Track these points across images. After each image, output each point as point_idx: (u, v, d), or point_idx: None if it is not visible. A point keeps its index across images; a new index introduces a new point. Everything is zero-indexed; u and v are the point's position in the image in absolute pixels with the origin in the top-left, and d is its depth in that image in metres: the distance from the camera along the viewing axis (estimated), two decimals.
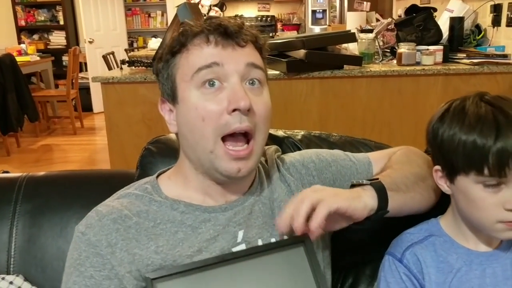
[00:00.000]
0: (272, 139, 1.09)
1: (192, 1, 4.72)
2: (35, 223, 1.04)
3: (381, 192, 0.81)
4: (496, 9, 2.67)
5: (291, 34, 6.62)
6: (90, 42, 5.97)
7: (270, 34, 6.80)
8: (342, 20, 5.94)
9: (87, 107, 6.03)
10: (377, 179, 0.84)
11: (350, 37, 2.46)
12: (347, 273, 1.05)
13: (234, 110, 0.75)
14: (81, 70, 6.17)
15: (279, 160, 0.95)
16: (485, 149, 0.75)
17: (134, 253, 0.75)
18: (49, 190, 1.09)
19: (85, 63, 6.18)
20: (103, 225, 0.77)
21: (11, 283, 0.97)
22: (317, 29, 6.10)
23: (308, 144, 1.11)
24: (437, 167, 0.85)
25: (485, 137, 0.75)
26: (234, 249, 0.80)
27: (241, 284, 0.76)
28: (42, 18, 6.62)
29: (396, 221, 0.94)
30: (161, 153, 1.04)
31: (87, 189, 1.09)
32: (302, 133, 1.15)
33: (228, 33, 0.77)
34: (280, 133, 1.14)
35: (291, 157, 0.97)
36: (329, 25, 5.73)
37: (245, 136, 0.78)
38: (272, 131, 1.13)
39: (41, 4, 6.57)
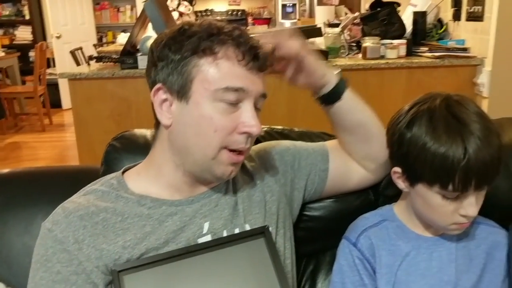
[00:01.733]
0: None
1: None
2: (1, 219, 1.05)
3: (342, 82, 0.94)
4: (457, 4, 2.76)
5: (262, 29, 6.65)
6: (58, 37, 5.85)
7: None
8: (312, 14, 5.99)
9: (56, 104, 5.91)
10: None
11: (316, 32, 2.51)
12: (309, 260, 1.09)
13: (245, 132, 0.79)
14: (49, 66, 6.05)
15: None
16: (452, 169, 0.78)
17: (102, 248, 0.77)
18: (14, 187, 1.10)
19: (53, 59, 6.06)
20: (70, 222, 0.79)
21: None
22: (287, 23, 6.15)
23: (270, 140, 1.15)
24: (397, 169, 0.89)
25: (453, 156, 0.78)
26: (200, 240, 0.83)
27: (205, 274, 0.79)
28: (7, 13, 6.45)
29: (351, 213, 1.00)
30: (125, 149, 1.06)
31: (52, 185, 1.09)
32: (265, 129, 1.18)
33: (257, 56, 0.79)
34: None
35: (253, 148, 1.01)
36: (298, 19, 5.78)
37: (240, 152, 0.83)
38: None
39: None
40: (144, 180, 0.86)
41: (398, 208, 0.96)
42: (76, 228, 0.78)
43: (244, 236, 0.83)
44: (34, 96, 5.07)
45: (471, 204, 0.82)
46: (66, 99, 5.90)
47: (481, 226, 0.94)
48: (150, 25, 2.70)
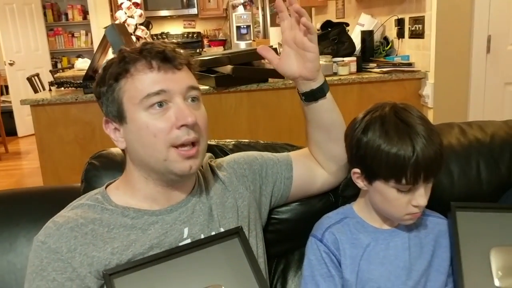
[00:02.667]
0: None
1: (117, 20, 4.75)
2: None
3: (326, 81, 1.05)
4: (400, 23, 2.98)
5: (218, 50, 6.78)
6: (11, 64, 5.77)
7: (197, 50, 6.93)
8: (266, 35, 6.19)
9: (11, 132, 5.79)
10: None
11: None
12: (279, 260, 1.19)
13: (182, 125, 0.86)
14: (2, 94, 5.93)
15: (212, 163, 1.08)
16: (404, 165, 0.91)
17: (93, 255, 0.84)
18: None
19: (6, 86, 5.95)
20: (62, 233, 0.85)
21: None
22: (242, 44, 6.32)
23: (239, 151, 1.25)
24: (356, 170, 1.01)
25: (404, 155, 0.91)
26: (181, 244, 0.91)
27: (188, 273, 0.88)
28: None
29: (314, 214, 1.10)
30: (104, 167, 1.13)
31: (33, 205, 1.14)
32: (233, 142, 1.28)
33: (167, 58, 0.87)
34: (213, 142, 1.27)
35: (223, 158, 1.12)
36: (253, 40, 5.96)
37: (193, 145, 0.90)
38: None
39: None
40: (124, 194, 0.94)
41: (357, 206, 1.07)
42: (68, 238, 0.85)
43: (220, 237, 0.92)
44: None
45: (421, 195, 0.95)
46: (21, 126, 5.80)
47: (429, 218, 1.07)
48: (111, 50, 2.77)
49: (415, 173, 0.91)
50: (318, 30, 3.32)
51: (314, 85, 1.03)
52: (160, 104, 0.86)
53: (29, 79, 4.38)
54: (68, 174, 2.54)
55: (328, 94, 1.06)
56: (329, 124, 1.07)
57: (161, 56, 0.87)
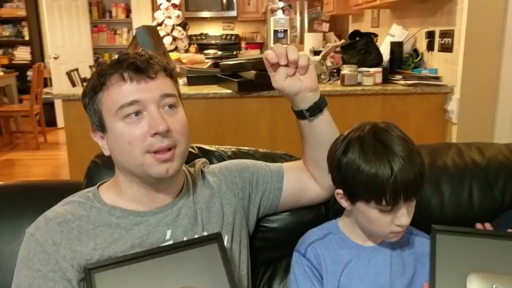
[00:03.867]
0: (205, 153, 1.26)
1: (155, 21, 4.90)
2: None
3: (324, 99, 1.07)
4: (430, 35, 2.94)
5: (254, 53, 6.86)
6: (55, 58, 6.03)
7: (234, 53, 7.03)
8: (302, 40, 6.20)
9: (51, 122, 6.06)
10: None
11: None
12: (266, 267, 1.22)
13: (155, 133, 0.90)
14: (46, 85, 6.22)
15: (205, 169, 1.12)
16: (383, 186, 0.92)
17: (76, 250, 0.90)
18: (3, 199, 1.22)
19: (50, 79, 6.23)
20: (50, 227, 0.92)
21: None
22: None
23: (237, 158, 1.28)
24: (339, 190, 1.02)
25: (382, 176, 0.92)
26: (163, 245, 0.96)
27: (166, 274, 0.92)
28: (7, 34, 6.64)
29: (304, 225, 1.12)
30: (106, 166, 1.19)
31: (38, 198, 1.22)
32: (233, 149, 1.32)
33: (139, 69, 0.90)
34: (213, 148, 1.31)
35: (216, 165, 1.15)
36: (288, 45, 5.97)
37: (169, 150, 0.93)
38: (206, 146, 1.30)
39: (6, 20, 6.58)
40: (113, 194, 1.00)
41: (342, 222, 1.09)
42: (54, 232, 0.91)
43: (200, 241, 0.95)
44: (30, 115, 5.21)
45: (404, 215, 0.95)
46: (61, 118, 6.04)
47: (415, 237, 1.07)
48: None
49: (394, 194, 0.92)
50: (346, 40, 3.30)
51: (316, 96, 1.05)
52: (136, 113, 0.91)
53: (68, 74, 4.57)
54: None
55: (326, 109, 1.08)
56: (328, 139, 1.07)
57: (133, 67, 0.90)
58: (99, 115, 0.94)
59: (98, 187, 1.02)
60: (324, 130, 1.08)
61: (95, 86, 0.93)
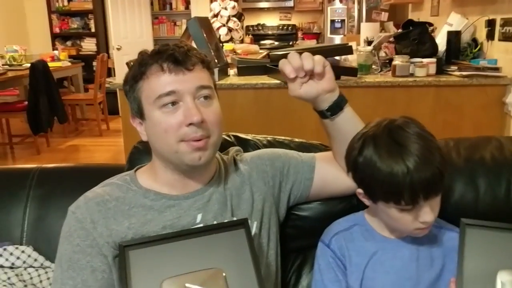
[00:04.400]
0: (241, 142, 1.30)
1: (211, 12, 4.98)
2: (43, 206, 1.29)
3: (343, 97, 1.07)
4: (490, 24, 2.80)
5: (310, 43, 6.80)
6: (118, 49, 6.29)
7: (290, 43, 7.01)
8: (359, 30, 6.08)
9: (114, 111, 6.35)
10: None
11: (346, 50, 2.65)
12: (297, 255, 1.24)
13: (190, 124, 0.94)
14: (110, 75, 6.52)
15: (237, 157, 1.16)
16: (399, 186, 0.90)
17: (112, 228, 0.97)
18: (56, 179, 1.33)
19: (114, 69, 6.53)
20: (89, 207, 0.99)
21: (23, 251, 1.21)
22: (336, 39, 6.26)
23: (273, 147, 1.31)
24: (359, 190, 1.01)
25: (398, 176, 0.89)
26: (193, 227, 1.01)
27: (195, 255, 0.96)
28: (75, 26, 7.02)
29: (335, 214, 1.13)
30: (146, 151, 1.25)
31: (86, 179, 1.30)
32: (268, 138, 1.35)
33: (177, 60, 0.95)
34: (249, 137, 1.34)
35: (249, 153, 1.19)
36: (344, 35, 5.88)
37: (202, 139, 0.97)
38: (242, 135, 1.34)
39: (74, 13, 6.97)
40: (149, 177, 1.06)
41: (368, 214, 1.09)
42: (93, 211, 0.98)
43: (227, 226, 0.99)
44: (94, 103, 5.50)
45: (427, 212, 0.93)
46: None
47: (445, 231, 1.05)
48: (193, 42, 2.95)
49: (412, 194, 0.90)
50: (399, 30, 3.21)
51: (335, 95, 1.06)
52: (173, 103, 0.95)
53: (127, 64, 4.77)
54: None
55: (347, 106, 1.07)
56: (354, 134, 1.06)
57: (172, 58, 0.95)
58: (138, 103, 0.99)
59: (135, 171, 1.09)
60: (347, 126, 1.07)
61: (135, 75, 0.98)
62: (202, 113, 0.95)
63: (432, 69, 2.71)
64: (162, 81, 0.95)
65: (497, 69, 2.66)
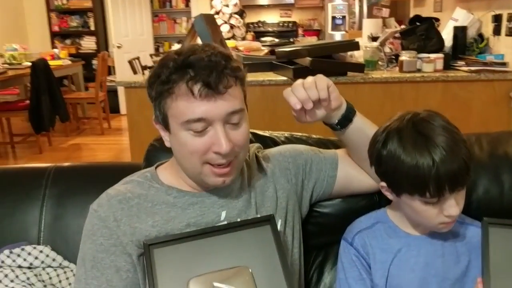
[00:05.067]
0: (259, 139, 1.29)
1: (213, 9, 4.97)
2: (60, 204, 1.27)
3: (351, 108, 1.06)
4: (497, 19, 2.79)
5: (311, 40, 6.79)
6: (119, 47, 6.28)
7: (290, 40, 6.99)
8: (360, 26, 6.06)
9: (115, 109, 6.34)
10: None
11: (353, 46, 2.63)
12: (318, 251, 1.23)
13: (217, 152, 0.91)
14: (110, 74, 6.50)
15: (259, 154, 1.14)
16: (425, 179, 0.89)
17: (135, 226, 0.95)
18: (72, 178, 1.32)
19: (114, 67, 6.50)
20: (111, 204, 0.97)
21: (41, 251, 1.19)
22: (337, 35, 6.25)
23: (291, 143, 1.30)
24: (383, 183, 1.00)
25: (424, 168, 0.89)
26: (218, 225, 0.99)
27: (220, 252, 0.95)
28: (75, 24, 6.98)
29: (356, 211, 1.12)
30: (163, 148, 1.23)
31: (103, 178, 1.29)
32: (286, 135, 1.34)
33: (210, 85, 0.87)
34: (266, 134, 1.33)
35: (270, 150, 1.17)
36: (346, 31, 5.87)
37: (228, 164, 0.95)
38: (259, 132, 1.33)
39: (73, 11, 6.93)
40: (170, 174, 1.04)
41: (390, 211, 1.07)
42: (115, 209, 0.97)
43: (253, 222, 0.98)
44: (95, 102, 5.48)
45: (452, 205, 0.92)
46: (124, 105, 6.29)
47: (468, 227, 1.04)
48: (199, 39, 2.93)
49: (438, 186, 0.89)
50: (406, 25, 3.20)
51: (343, 109, 1.04)
52: (200, 129, 0.90)
53: (130, 62, 4.75)
54: None
55: (357, 116, 1.06)
56: (365, 145, 1.05)
57: (206, 82, 0.87)
58: (164, 116, 0.93)
59: (156, 168, 1.07)
60: (359, 136, 1.06)
61: (162, 90, 0.91)
62: (231, 137, 0.92)
63: (440, 64, 2.71)
64: (192, 105, 0.88)
65: (504, 64, 2.66)
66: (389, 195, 1.01)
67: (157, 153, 1.24)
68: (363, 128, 1.07)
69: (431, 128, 0.92)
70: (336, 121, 1.05)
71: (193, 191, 1.02)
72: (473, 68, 2.61)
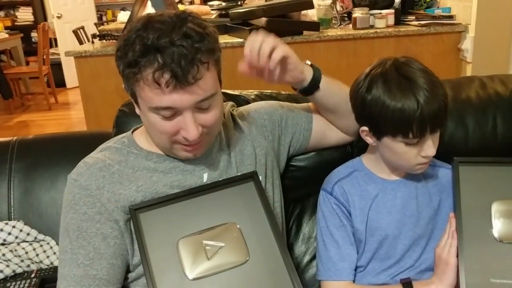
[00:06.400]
0: (230, 98, 1.28)
1: None
2: (29, 177, 1.22)
3: (318, 72, 1.04)
4: None
5: (259, 2, 6.70)
6: (59, 17, 5.95)
7: (239, 3, 6.87)
8: None
9: (60, 83, 6.06)
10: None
11: (307, 4, 2.63)
12: (295, 204, 1.27)
13: (184, 137, 0.89)
14: (51, 46, 6.17)
15: (234, 112, 1.14)
16: (410, 120, 0.93)
17: (119, 193, 0.94)
18: (38, 149, 1.27)
19: (55, 39, 6.18)
20: (91, 173, 0.95)
21: (13, 227, 1.16)
22: None
23: (261, 101, 1.30)
24: (364, 128, 1.03)
25: (409, 110, 0.93)
26: (202, 185, 0.99)
27: (206, 212, 0.96)
28: None
29: (331, 163, 1.15)
30: (133, 113, 1.19)
31: (71, 147, 1.26)
32: (256, 93, 1.34)
33: (178, 78, 0.81)
34: (236, 92, 1.32)
35: (245, 107, 1.17)
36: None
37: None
38: (229, 91, 1.32)
39: None
40: (147, 140, 1.01)
41: (366, 159, 1.12)
42: (96, 177, 0.94)
43: (236, 180, 0.99)
44: (39, 76, 5.21)
45: (430, 146, 0.97)
46: (70, 78, 6.04)
47: (438, 169, 1.10)
48: (149, 3, 2.83)
49: (421, 126, 0.94)
50: None
51: (305, 82, 1.04)
52: (167, 116, 0.87)
53: (74, 32, 4.53)
54: (110, 122, 2.66)
55: (323, 82, 1.04)
56: (334, 106, 1.09)
57: (174, 73, 0.81)
58: (133, 93, 0.90)
59: (132, 132, 1.05)
60: (325, 101, 1.08)
61: (128, 74, 0.86)
62: (201, 121, 0.89)
63: (391, 20, 2.76)
64: (158, 95, 0.84)
65: (451, 17, 2.74)
66: (369, 139, 1.04)
67: (127, 118, 1.22)
68: (334, 90, 1.08)
69: (412, 71, 0.96)
70: (301, 88, 1.05)
71: (172, 155, 1.00)
72: (422, 22, 2.68)
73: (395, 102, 0.94)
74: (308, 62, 1.06)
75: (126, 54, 0.84)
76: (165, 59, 0.81)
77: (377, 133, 1.01)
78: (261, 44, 0.93)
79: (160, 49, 0.81)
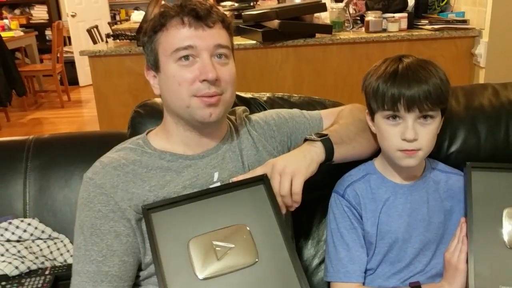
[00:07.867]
0: (242, 101, 1.29)
1: None
2: (44, 176, 1.25)
3: (329, 147, 1.03)
4: None
5: (271, 4, 6.71)
6: (73, 16, 6.02)
7: (251, 4, 6.89)
8: None
9: (73, 81, 6.12)
10: (326, 135, 1.05)
11: (320, 7, 2.64)
12: (305, 208, 1.26)
13: (204, 80, 0.94)
14: (65, 44, 6.23)
15: (246, 118, 1.15)
16: (383, 93, 0.99)
17: (132, 192, 0.96)
18: (54, 148, 1.29)
19: (69, 37, 6.24)
20: (106, 172, 0.97)
21: (29, 224, 1.18)
22: None
23: (272, 104, 1.32)
24: (368, 116, 1.08)
25: (384, 85, 0.99)
26: (211, 186, 1.01)
27: (217, 213, 0.97)
28: None
29: (342, 166, 1.16)
30: (147, 114, 1.23)
31: (86, 147, 1.28)
32: (268, 95, 1.35)
33: (199, 16, 0.95)
34: (248, 95, 1.34)
35: (256, 116, 1.18)
36: None
37: (215, 96, 0.97)
38: (242, 94, 1.33)
39: None
40: (162, 139, 1.04)
41: (377, 163, 1.12)
42: (111, 176, 0.96)
43: (247, 182, 1.00)
44: (53, 74, 5.27)
45: (408, 128, 0.98)
46: (82, 76, 6.10)
47: (449, 175, 1.11)
48: (163, 3, 2.85)
49: (392, 99, 0.98)
50: None
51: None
52: (187, 57, 0.95)
53: (88, 31, 4.58)
54: (122, 122, 2.69)
55: (336, 153, 1.05)
56: (352, 160, 1.12)
57: (194, 13, 0.95)
58: (155, 54, 0.99)
59: (146, 134, 1.07)
60: (346, 159, 1.10)
61: (155, 26, 0.98)
62: (218, 71, 0.95)
63: (404, 23, 2.76)
64: (181, 34, 0.95)
65: (465, 21, 2.73)
66: (372, 126, 1.08)
67: (141, 119, 1.23)
68: (346, 158, 1.09)
69: (410, 58, 1.02)
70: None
71: (186, 153, 1.02)
72: (436, 26, 2.67)
73: (376, 75, 1.01)
74: (316, 139, 1.04)
75: (153, 19, 0.99)
76: (189, 8, 0.95)
77: (370, 113, 1.06)
78: (280, 188, 0.97)
79: (184, 5, 0.96)
